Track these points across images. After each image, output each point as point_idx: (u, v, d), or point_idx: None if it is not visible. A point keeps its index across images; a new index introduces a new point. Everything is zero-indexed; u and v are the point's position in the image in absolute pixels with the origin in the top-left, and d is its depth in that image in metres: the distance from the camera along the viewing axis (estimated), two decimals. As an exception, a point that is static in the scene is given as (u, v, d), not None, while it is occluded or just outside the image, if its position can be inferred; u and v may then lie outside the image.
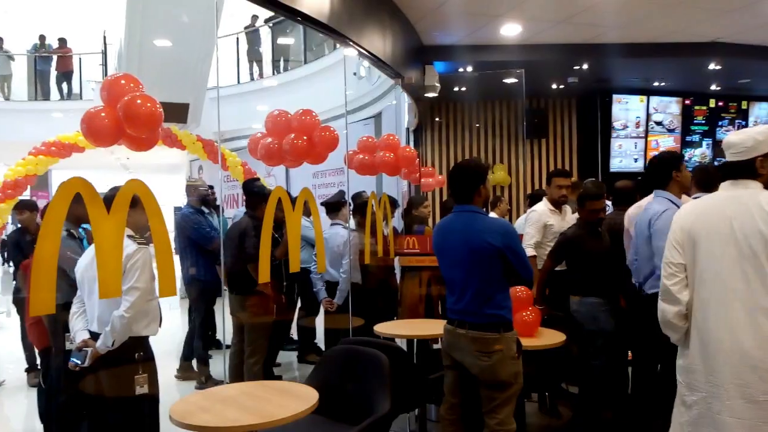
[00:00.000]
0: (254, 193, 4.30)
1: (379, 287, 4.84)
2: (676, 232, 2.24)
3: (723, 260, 2.09)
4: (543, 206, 4.42)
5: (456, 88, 8.23)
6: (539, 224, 4.31)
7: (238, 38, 11.84)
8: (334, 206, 4.92)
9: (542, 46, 6.99)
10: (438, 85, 7.02)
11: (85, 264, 2.84)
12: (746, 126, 10.00)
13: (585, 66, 7.49)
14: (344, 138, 4.61)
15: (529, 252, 4.21)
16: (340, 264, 4.67)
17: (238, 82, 11.81)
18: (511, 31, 6.40)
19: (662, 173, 3.23)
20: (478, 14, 5.95)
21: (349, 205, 5.07)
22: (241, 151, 7.49)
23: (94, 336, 2.74)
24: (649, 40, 6.96)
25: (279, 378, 4.86)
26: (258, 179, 6.20)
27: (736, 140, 2.18)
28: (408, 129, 8.34)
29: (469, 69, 7.42)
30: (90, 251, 2.84)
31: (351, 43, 4.48)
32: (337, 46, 8.11)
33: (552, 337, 3.36)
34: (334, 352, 3.23)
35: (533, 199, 5.73)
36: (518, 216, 6.90)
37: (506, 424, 2.65)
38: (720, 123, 9.89)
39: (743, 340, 2.04)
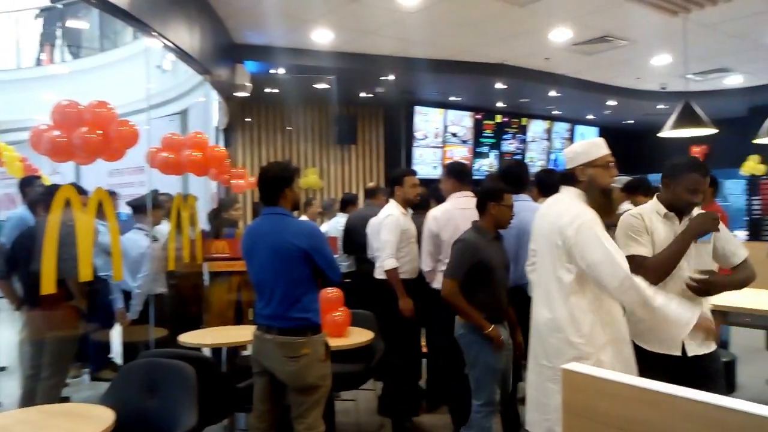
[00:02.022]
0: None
1: (186, 295, 4.58)
2: (533, 226, 2.64)
3: (541, 251, 2.50)
4: (396, 210, 3.94)
5: (268, 90, 8.18)
6: (397, 230, 3.87)
7: (18, 18, 10.43)
8: (139, 207, 4.56)
9: (353, 55, 7.24)
10: (249, 84, 6.89)
11: None
12: (525, 140, 11.40)
13: (391, 77, 7.93)
14: (146, 134, 4.30)
15: (391, 263, 3.79)
16: (136, 275, 4.32)
17: (19, 66, 10.42)
18: (323, 37, 6.53)
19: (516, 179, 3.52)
20: (290, 17, 5.97)
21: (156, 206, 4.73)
22: (21, 144, 6.59)
23: None
24: (446, 58, 7.59)
25: (67, 399, 4.36)
26: (38, 177, 5.51)
27: (565, 152, 2.55)
28: (217, 128, 8.05)
29: (282, 71, 7.41)
30: None
31: (153, 33, 4.21)
32: (139, 35, 7.54)
33: (360, 336, 3.48)
34: (133, 366, 2.98)
35: (344, 203, 5.90)
36: (329, 219, 7.03)
37: (315, 427, 2.67)
38: (504, 136, 11.14)
39: (537, 316, 2.44)
